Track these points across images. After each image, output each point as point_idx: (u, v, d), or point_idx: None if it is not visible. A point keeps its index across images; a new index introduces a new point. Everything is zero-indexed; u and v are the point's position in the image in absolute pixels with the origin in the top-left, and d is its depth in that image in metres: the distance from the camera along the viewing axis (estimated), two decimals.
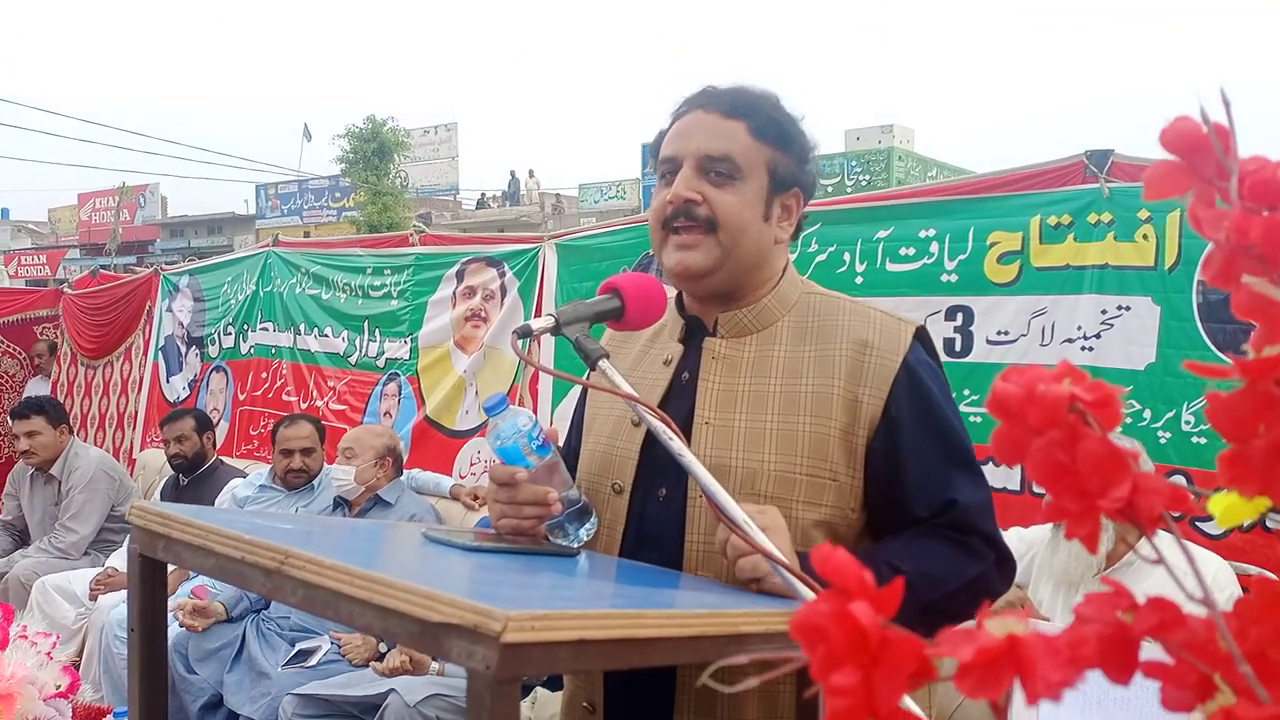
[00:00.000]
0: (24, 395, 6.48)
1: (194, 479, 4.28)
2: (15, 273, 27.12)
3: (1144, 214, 2.81)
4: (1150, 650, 0.40)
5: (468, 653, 0.64)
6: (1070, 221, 2.95)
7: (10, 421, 4.51)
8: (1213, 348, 2.70)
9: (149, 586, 0.96)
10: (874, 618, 0.36)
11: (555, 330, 1.14)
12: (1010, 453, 0.44)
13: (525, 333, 1.12)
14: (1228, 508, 0.43)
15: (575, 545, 1.17)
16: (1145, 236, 2.81)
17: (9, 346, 7.06)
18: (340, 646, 3.17)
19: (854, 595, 0.37)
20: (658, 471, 1.24)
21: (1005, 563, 1.22)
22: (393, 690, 2.82)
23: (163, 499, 4.34)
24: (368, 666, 3.03)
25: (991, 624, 0.34)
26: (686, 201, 1.22)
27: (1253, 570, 2.46)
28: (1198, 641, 0.39)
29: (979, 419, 3.08)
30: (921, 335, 1.26)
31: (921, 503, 1.18)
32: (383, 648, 3.13)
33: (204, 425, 4.42)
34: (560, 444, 1.27)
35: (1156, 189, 0.41)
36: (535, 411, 3.95)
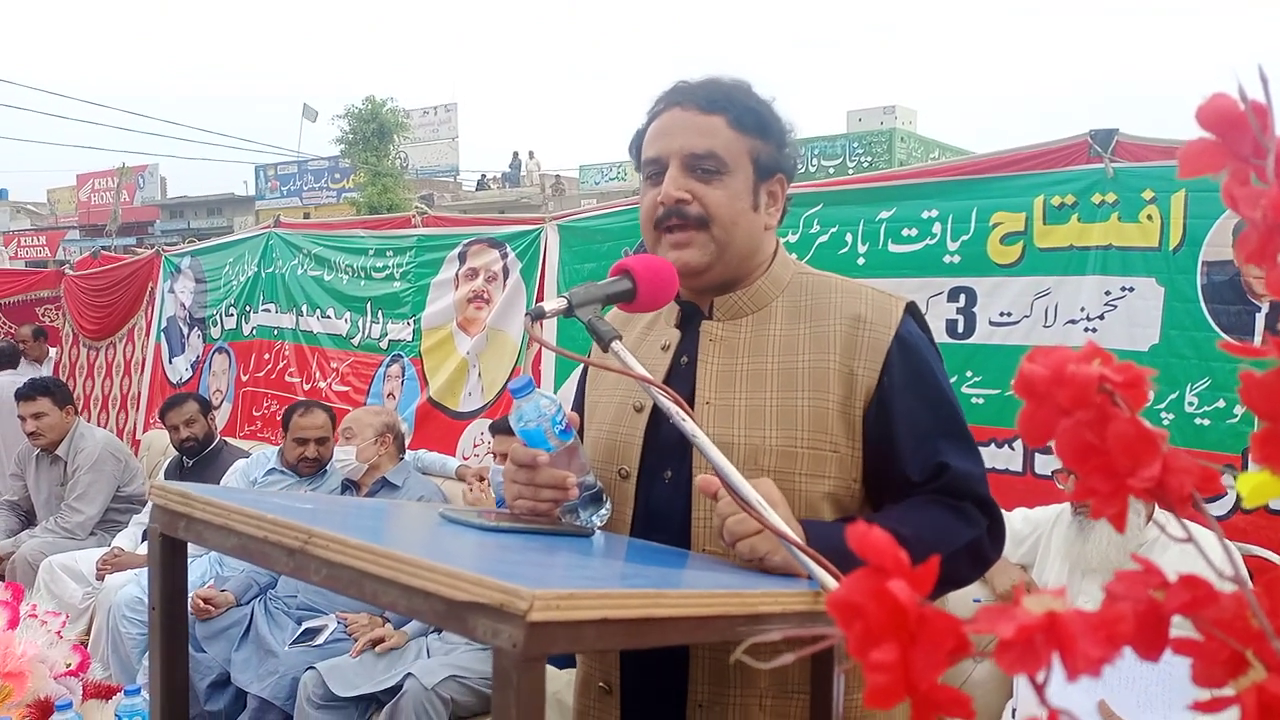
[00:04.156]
0: None
1: (199, 460, 4.29)
2: (15, 254, 27.06)
3: (1148, 194, 2.80)
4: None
5: (493, 631, 0.65)
6: (1074, 202, 2.94)
7: (17, 403, 4.51)
8: (1217, 329, 2.70)
9: (170, 566, 0.96)
10: (912, 595, 0.36)
11: (568, 312, 1.14)
12: (1037, 433, 0.45)
13: (539, 314, 1.12)
14: (1256, 486, 0.43)
15: (590, 528, 1.18)
16: (1149, 217, 2.81)
17: (10, 328, 7.05)
18: (346, 626, 3.19)
19: (891, 573, 0.38)
20: (663, 454, 1.27)
21: (998, 530, 1.25)
22: (409, 675, 2.85)
23: (167, 480, 4.35)
24: (374, 649, 3.05)
25: (1030, 601, 0.35)
26: (677, 201, 1.25)
27: (1257, 551, 2.47)
28: (1227, 618, 0.39)
29: (982, 400, 3.09)
30: (912, 309, 1.29)
31: (915, 467, 1.21)
32: (388, 627, 3.15)
33: (206, 407, 4.43)
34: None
35: (1192, 166, 0.41)
36: None
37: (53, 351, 6.94)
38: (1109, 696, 2.10)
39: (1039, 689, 0.34)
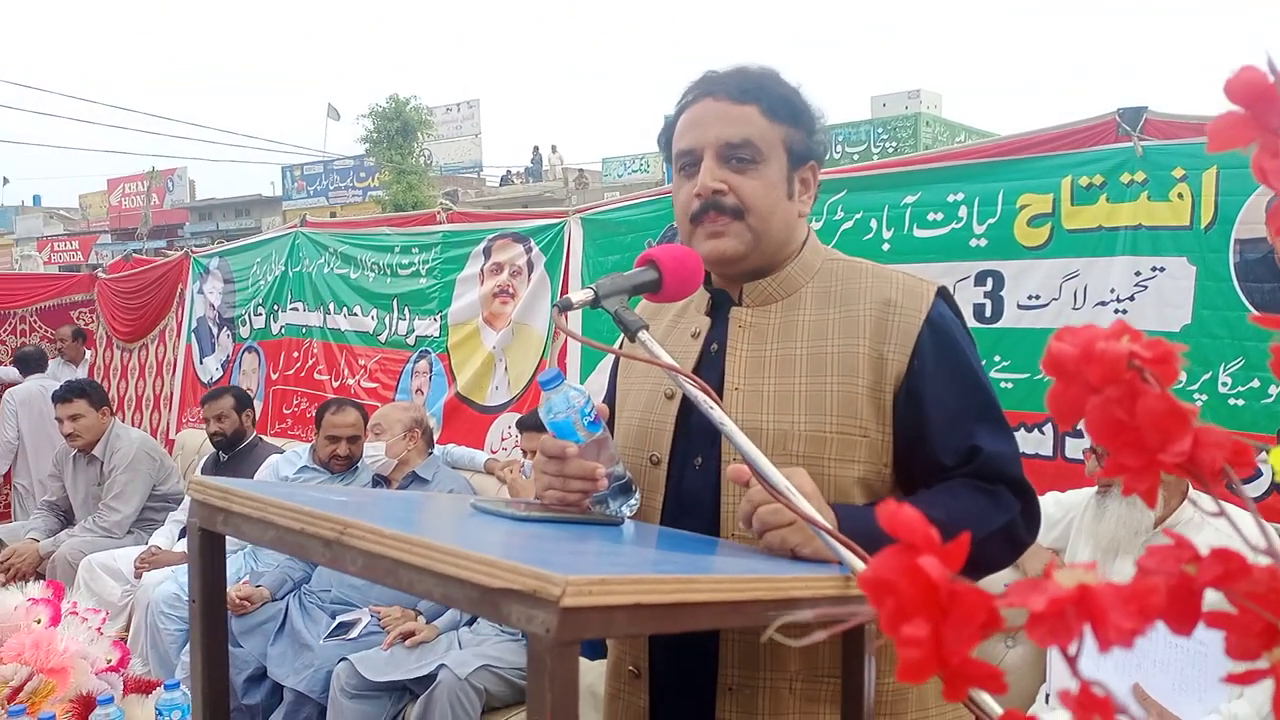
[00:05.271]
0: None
1: (233, 456, 4.35)
2: (49, 259, 27.52)
3: (1179, 172, 2.77)
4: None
5: (527, 617, 0.66)
6: (1102, 182, 2.91)
7: (54, 405, 4.59)
8: (1250, 307, 2.66)
9: (209, 559, 0.98)
10: (943, 571, 0.37)
11: (595, 303, 1.15)
12: (1067, 412, 0.45)
13: (566, 306, 1.13)
14: None
15: (620, 517, 1.19)
16: (1180, 195, 2.77)
17: (47, 331, 7.17)
18: (380, 619, 3.23)
19: (921, 550, 0.38)
20: (693, 441, 1.27)
21: (1032, 512, 1.24)
22: (443, 665, 2.88)
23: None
24: (404, 643, 3.08)
25: (1061, 575, 0.35)
26: (714, 193, 1.25)
27: None
28: (1261, 591, 0.39)
29: (1011, 384, 3.06)
30: (944, 293, 1.28)
31: (947, 451, 1.20)
32: (421, 620, 3.19)
33: (243, 403, 4.48)
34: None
35: (1221, 140, 0.41)
36: None
37: (88, 353, 7.05)
38: (1143, 680, 2.09)
39: (1071, 662, 0.34)
